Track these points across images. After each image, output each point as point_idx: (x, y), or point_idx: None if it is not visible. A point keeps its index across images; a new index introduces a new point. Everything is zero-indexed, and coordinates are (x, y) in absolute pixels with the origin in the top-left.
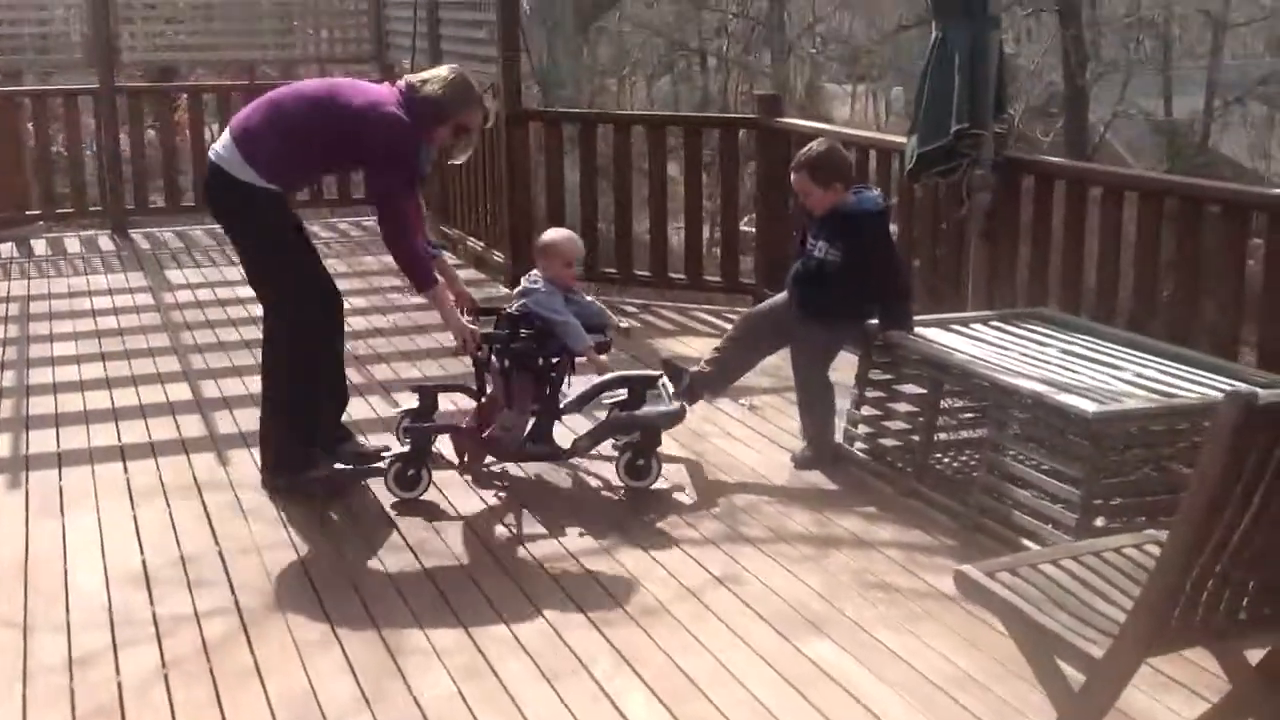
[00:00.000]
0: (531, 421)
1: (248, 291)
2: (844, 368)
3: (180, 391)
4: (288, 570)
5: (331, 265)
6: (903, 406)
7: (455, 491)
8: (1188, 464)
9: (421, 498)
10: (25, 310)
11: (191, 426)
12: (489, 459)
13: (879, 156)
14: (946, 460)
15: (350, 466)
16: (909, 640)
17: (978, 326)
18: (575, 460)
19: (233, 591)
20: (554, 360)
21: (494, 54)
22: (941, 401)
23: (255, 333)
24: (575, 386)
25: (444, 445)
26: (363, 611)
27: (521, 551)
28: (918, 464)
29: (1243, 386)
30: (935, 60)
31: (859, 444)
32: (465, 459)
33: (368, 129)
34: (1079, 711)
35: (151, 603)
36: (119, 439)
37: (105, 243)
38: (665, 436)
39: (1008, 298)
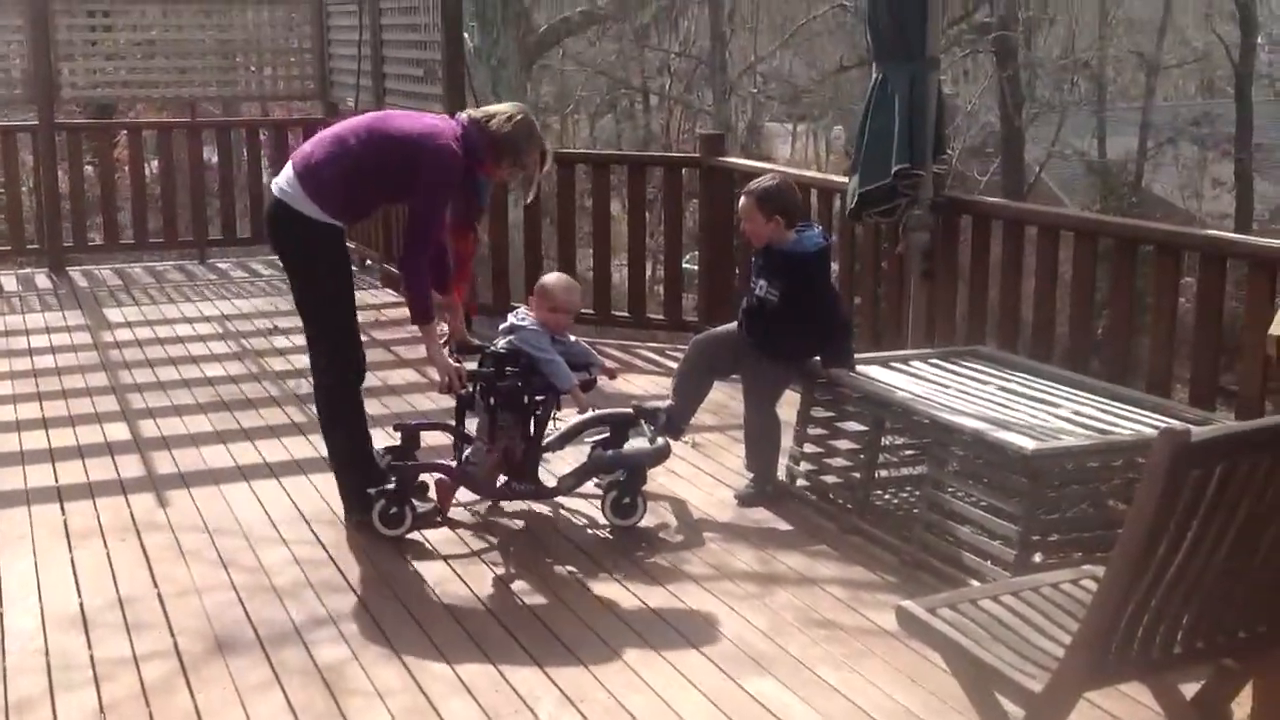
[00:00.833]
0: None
1: (187, 329)
2: (786, 405)
3: (119, 431)
4: (228, 613)
5: (273, 303)
6: (844, 444)
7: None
8: (1124, 500)
9: (363, 538)
10: None
11: (130, 467)
12: (471, 497)
13: (820, 195)
14: (888, 497)
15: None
16: (851, 677)
17: (918, 364)
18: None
19: (172, 634)
20: (539, 398)
21: (438, 92)
22: (883, 439)
23: (196, 372)
24: (560, 424)
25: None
26: (304, 653)
27: (465, 592)
28: (859, 500)
29: (1177, 424)
30: (875, 101)
31: (801, 481)
32: (444, 508)
33: (421, 157)
34: None
35: (89, 646)
36: (56, 480)
37: (42, 280)
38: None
39: (947, 336)
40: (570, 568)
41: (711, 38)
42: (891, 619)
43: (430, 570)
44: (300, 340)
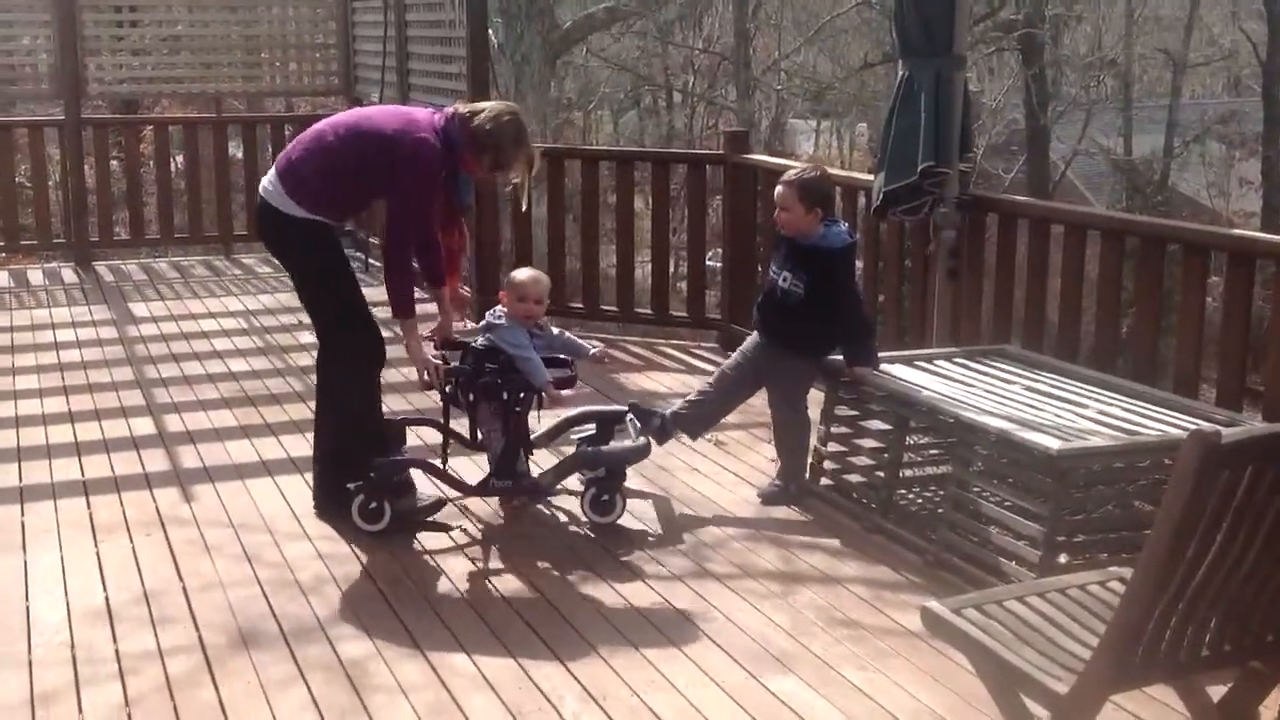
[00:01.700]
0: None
1: (212, 324)
2: (810, 404)
3: (144, 426)
4: (252, 607)
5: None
6: (868, 443)
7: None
8: (1150, 501)
9: (387, 532)
10: None
11: (155, 461)
12: (454, 494)
13: (845, 193)
14: (911, 496)
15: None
16: (875, 677)
17: (942, 363)
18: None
19: (196, 628)
20: (519, 395)
21: (462, 88)
22: (907, 438)
23: (220, 366)
24: (545, 421)
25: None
26: (328, 648)
27: (488, 587)
28: (883, 500)
29: (1206, 425)
30: (901, 98)
31: (825, 480)
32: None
33: (398, 152)
34: None
35: (114, 639)
36: (82, 473)
37: (69, 275)
38: (631, 472)
39: (972, 335)
40: (594, 565)
41: (735, 34)
42: (915, 619)
43: (453, 566)
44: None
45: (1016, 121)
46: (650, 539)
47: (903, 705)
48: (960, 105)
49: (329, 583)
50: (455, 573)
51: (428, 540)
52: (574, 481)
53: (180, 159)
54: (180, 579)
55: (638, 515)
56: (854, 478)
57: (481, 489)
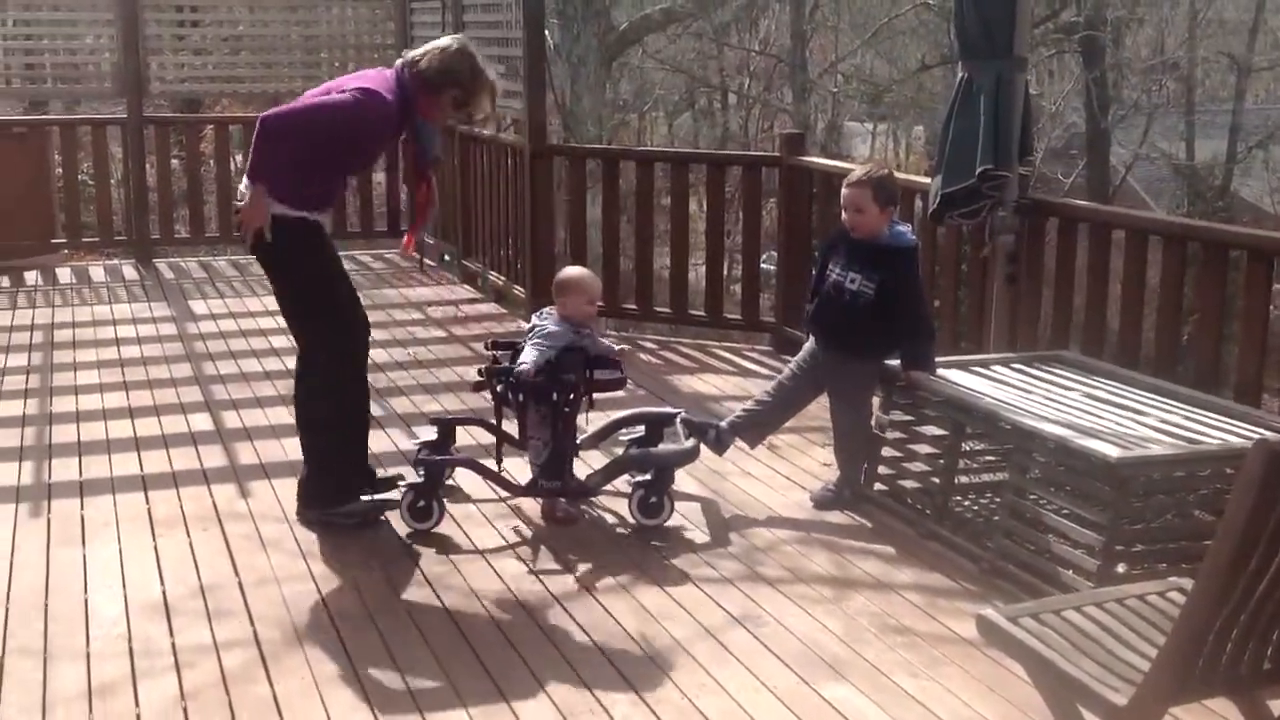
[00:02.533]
0: (545, 455)
1: (271, 322)
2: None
3: (202, 422)
4: (307, 603)
5: None
6: (923, 448)
7: (472, 526)
8: (1211, 511)
9: (439, 531)
10: (49, 338)
11: (213, 457)
12: (504, 494)
13: (903, 196)
14: (967, 503)
15: (371, 497)
16: (929, 685)
17: (999, 369)
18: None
19: (252, 623)
20: (569, 396)
21: (519, 89)
22: (963, 444)
23: (278, 364)
24: (594, 422)
25: (463, 479)
26: (381, 646)
27: (539, 588)
28: (938, 506)
29: (1270, 435)
30: (961, 100)
31: (879, 485)
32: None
33: (350, 110)
34: None
35: (171, 633)
36: (141, 468)
37: (129, 271)
38: (682, 475)
39: (1029, 340)
40: (644, 567)
41: (792, 36)
42: (970, 627)
43: (504, 565)
44: (379, 334)
45: (1077, 125)
46: (701, 542)
47: (956, 713)
48: (1020, 108)
49: (381, 579)
50: (506, 573)
51: (479, 539)
52: (623, 483)
53: (240, 158)
54: (236, 574)
55: (688, 517)
56: (909, 483)
57: (530, 489)
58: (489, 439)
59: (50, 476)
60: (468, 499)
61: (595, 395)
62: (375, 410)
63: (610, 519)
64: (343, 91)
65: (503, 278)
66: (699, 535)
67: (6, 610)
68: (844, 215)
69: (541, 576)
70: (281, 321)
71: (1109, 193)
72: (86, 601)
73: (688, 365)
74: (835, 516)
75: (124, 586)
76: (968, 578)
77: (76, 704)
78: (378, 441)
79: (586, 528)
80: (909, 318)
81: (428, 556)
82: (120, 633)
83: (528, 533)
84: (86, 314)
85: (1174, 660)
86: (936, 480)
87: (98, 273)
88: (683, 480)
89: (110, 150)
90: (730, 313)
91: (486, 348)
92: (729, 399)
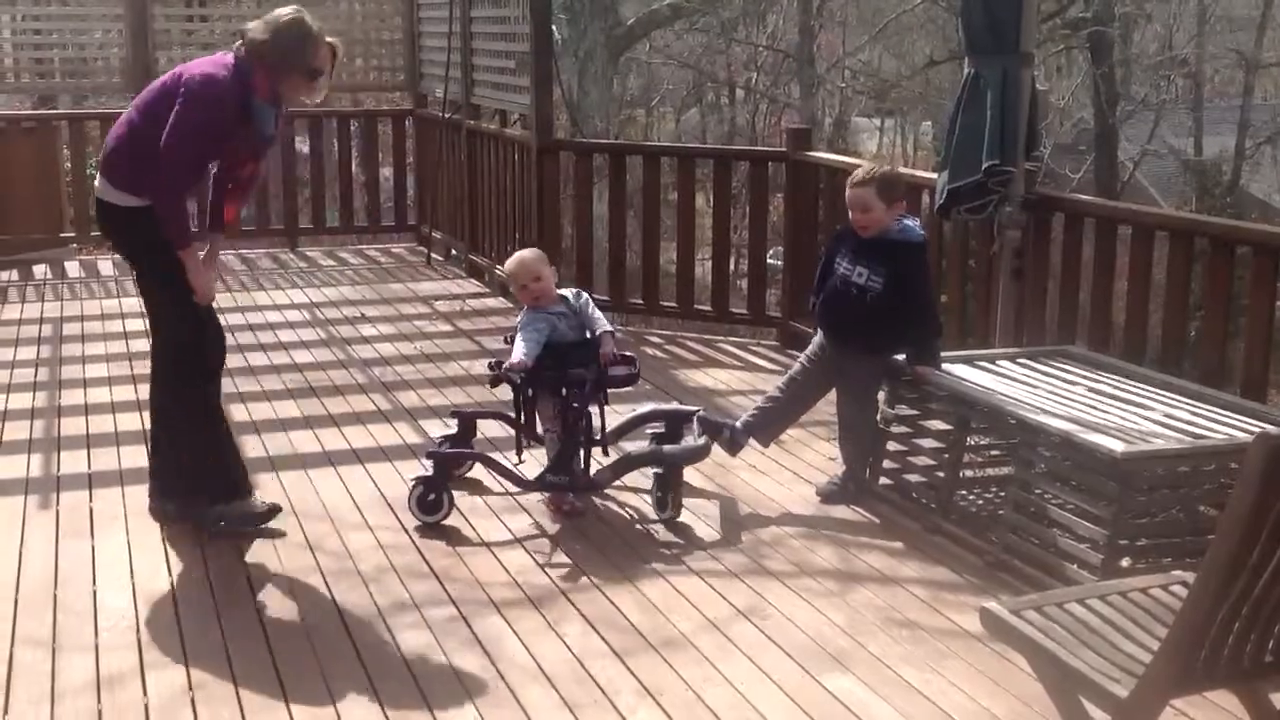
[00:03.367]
0: (555, 451)
1: (277, 316)
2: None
3: None
4: (314, 593)
5: (360, 291)
6: (929, 442)
7: (479, 518)
8: (1215, 506)
9: (446, 524)
10: (58, 331)
11: None
12: (511, 487)
13: (909, 191)
14: (972, 497)
15: (231, 526)
16: (933, 678)
17: (1004, 364)
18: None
19: (259, 614)
20: (577, 390)
21: (527, 84)
22: (968, 438)
23: (284, 358)
24: (611, 419)
25: (475, 472)
26: (388, 638)
27: (545, 580)
28: (943, 500)
29: (1272, 429)
30: (968, 96)
31: (884, 479)
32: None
33: (183, 86)
34: None
35: (179, 624)
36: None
37: None
38: (690, 470)
39: (1035, 335)
40: (651, 561)
41: (799, 31)
42: (974, 620)
43: (511, 559)
44: (385, 329)
45: (1085, 121)
46: (706, 535)
47: (961, 707)
48: (1027, 103)
49: (389, 573)
50: (514, 566)
51: (487, 533)
52: (630, 478)
53: None
54: (244, 566)
55: (696, 512)
56: (914, 478)
57: (538, 484)
58: (496, 433)
59: (59, 469)
60: (477, 491)
61: (609, 390)
62: (382, 404)
63: (617, 512)
64: (181, 89)
65: None
66: (704, 529)
67: (16, 602)
68: (851, 216)
69: (548, 569)
70: (288, 316)
71: (1117, 188)
72: (95, 593)
73: (694, 360)
74: (840, 510)
75: (132, 578)
76: (972, 572)
77: (85, 695)
78: (384, 436)
79: (593, 521)
80: (916, 312)
81: (433, 548)
82: (129, 624)
83: (535, 527)
84: (95, 307)
85: (1176, 652)
86: (942, 474)
87: (106, 266)
88: (690, 475)
89: None
90: (737, 308)
91: (506, 341)
92: (735, 393)
